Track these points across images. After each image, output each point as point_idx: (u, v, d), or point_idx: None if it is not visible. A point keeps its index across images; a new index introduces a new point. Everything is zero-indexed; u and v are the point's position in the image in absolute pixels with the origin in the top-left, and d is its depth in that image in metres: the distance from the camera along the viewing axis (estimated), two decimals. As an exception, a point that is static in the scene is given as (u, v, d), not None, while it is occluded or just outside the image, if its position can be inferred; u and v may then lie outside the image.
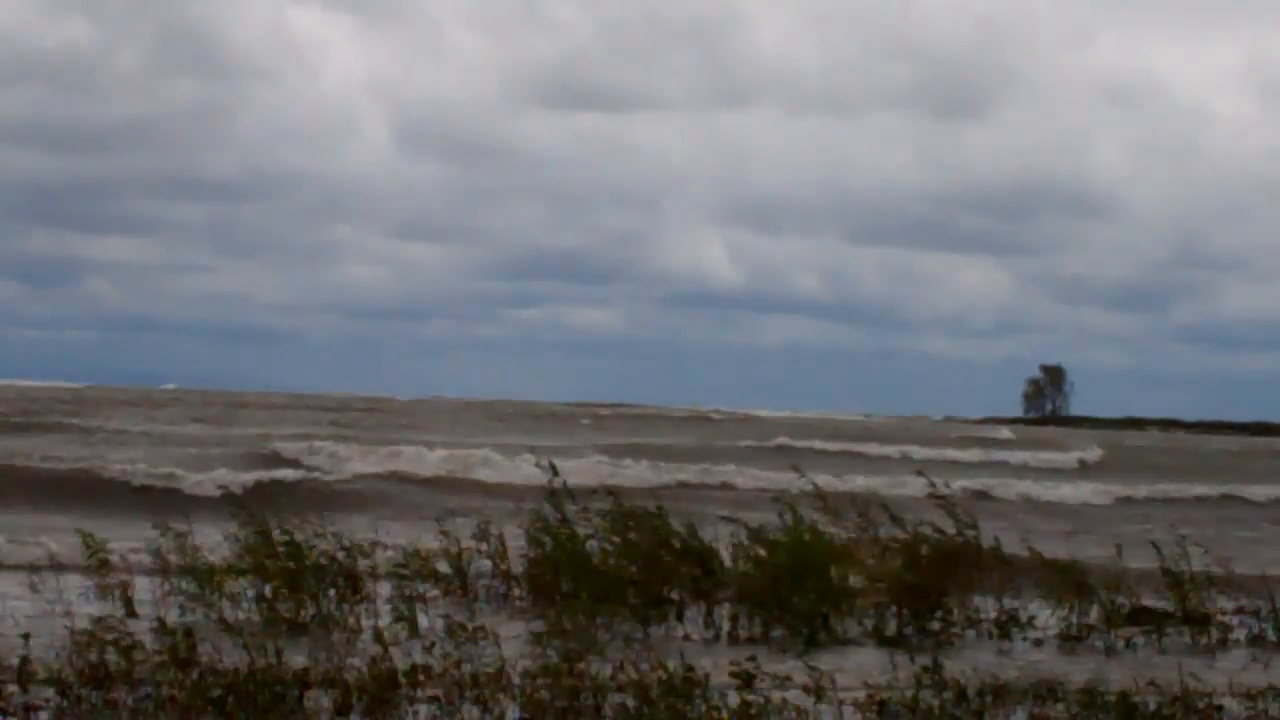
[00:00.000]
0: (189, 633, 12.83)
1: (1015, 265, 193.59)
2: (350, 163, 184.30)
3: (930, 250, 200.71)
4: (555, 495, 17.88)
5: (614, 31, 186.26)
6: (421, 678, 12.28)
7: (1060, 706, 12.53)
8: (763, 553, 17.30)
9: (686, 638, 16.48)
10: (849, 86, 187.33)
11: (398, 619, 15.73)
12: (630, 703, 12.02)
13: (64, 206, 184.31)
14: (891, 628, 17.14)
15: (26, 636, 13.09)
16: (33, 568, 18.35)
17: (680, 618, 17.17)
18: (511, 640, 14.01)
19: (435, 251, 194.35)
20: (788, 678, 11.95)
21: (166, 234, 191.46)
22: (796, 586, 16.92)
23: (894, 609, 17.32)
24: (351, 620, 16.27)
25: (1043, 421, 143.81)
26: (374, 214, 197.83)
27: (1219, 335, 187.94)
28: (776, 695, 11.99)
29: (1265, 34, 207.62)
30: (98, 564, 17.05)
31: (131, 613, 16.04)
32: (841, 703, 12.19)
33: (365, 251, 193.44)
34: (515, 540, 18.46)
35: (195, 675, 12.05)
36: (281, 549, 16.71)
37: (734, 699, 11.91)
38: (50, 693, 12.10)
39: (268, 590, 16.53)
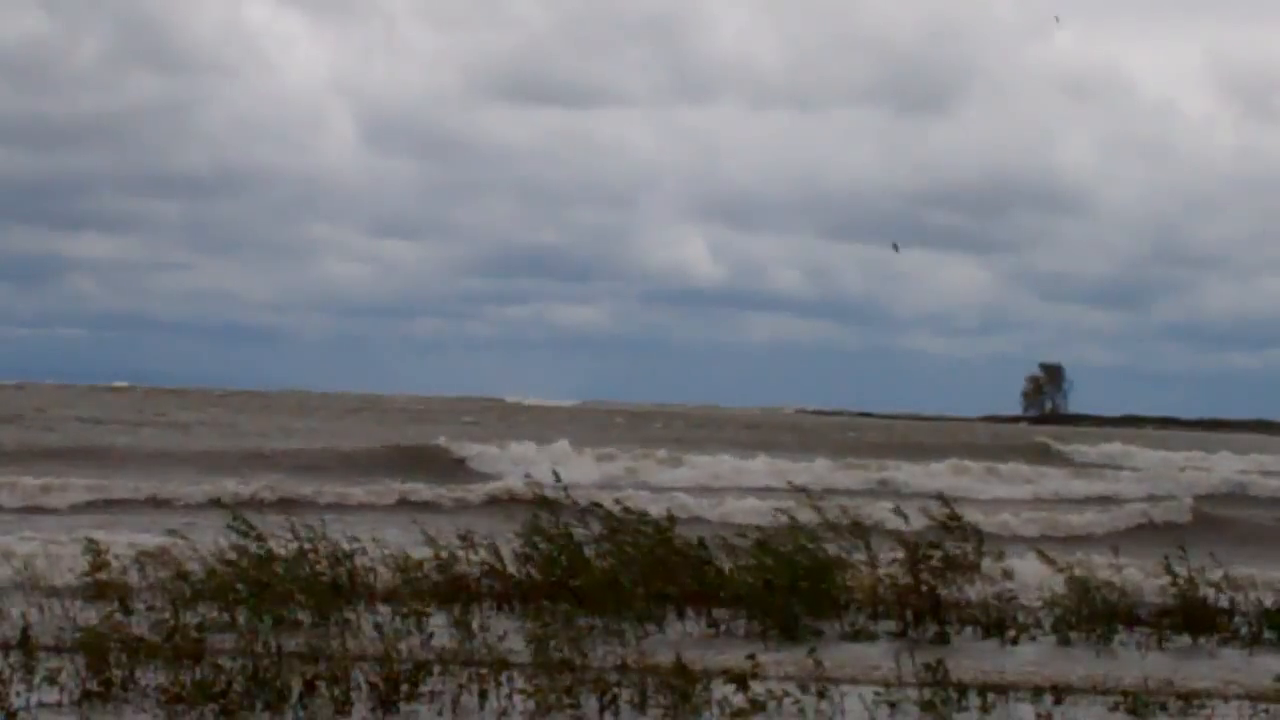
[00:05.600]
0: (198, 628, 12.88)
1: (993, 262, 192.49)
2: (318, 159, 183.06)
3: (907, 247, 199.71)
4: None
5: (571, 26, 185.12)
6: (425, 674, 12.35)
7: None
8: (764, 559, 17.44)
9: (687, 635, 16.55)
10: (810, 81, 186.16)
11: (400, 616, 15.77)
12: (633, 699, 12.08)
13: (37, 203, 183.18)
14: (891, 627, 17.18)
15: (25, 629, 13.15)
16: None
17: (681, 616, 17.23)
18: (511, 639, 14.05)
19: (413, 248, 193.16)
20: (788, 677, 12.01)
21: (142, 231, 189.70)
22: (793, 589, 17.03)
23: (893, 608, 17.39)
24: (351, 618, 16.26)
25: (1043, 420, 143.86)
26: (348, 210, 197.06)
27: (1205, 333, 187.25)
28: (777, 690, 12.05)
29: (1222, 29, 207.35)
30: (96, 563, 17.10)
31: (127, 610, 15.94)
32: (844, 695, 12.25)
33: (344, 248, 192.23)
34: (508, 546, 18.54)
35: (198, 672, 12.11)
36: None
37: (735, 696, 11.96)
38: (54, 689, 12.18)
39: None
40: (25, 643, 12.80)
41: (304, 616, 16.07)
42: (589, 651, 13.02)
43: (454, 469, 41.76)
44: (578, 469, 39.25)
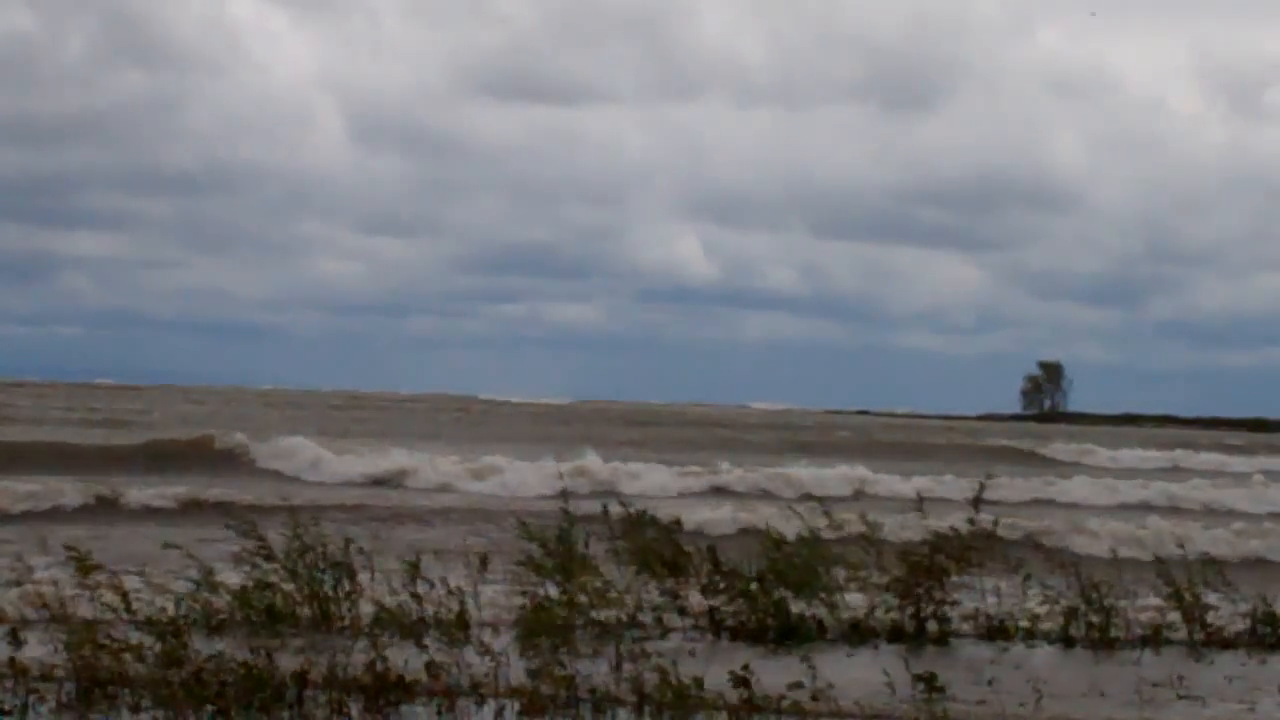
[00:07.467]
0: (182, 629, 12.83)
1: (985, 260, 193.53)
2: (307, 156, 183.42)
3: (898, 245, 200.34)
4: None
5: (557, 23, 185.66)
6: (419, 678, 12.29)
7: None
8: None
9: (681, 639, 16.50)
10: (796, 78, 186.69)
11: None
12: (629, 700, 12.04)
13: (28, 200, 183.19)
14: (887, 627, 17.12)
15: (15, 631, 13.06)
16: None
17: (681, 614, 17.17)
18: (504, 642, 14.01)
19: (405, 246, 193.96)
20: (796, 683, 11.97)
21: (135, 229, 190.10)
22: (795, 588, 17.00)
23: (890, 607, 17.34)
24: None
25: (1043, 418, 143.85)
26: (338, 208, 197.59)
27: (1200, 330, 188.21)
28: (775, 691, 12.02)
29: (1208, 25, 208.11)
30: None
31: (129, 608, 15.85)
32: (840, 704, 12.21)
33: (336, 246, 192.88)
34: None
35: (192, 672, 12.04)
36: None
37: (732, 698, 11.92)
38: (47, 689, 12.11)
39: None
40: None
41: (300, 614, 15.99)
42: (584, 653, 12.98)
43: (233, 465, 38.84)
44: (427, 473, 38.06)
